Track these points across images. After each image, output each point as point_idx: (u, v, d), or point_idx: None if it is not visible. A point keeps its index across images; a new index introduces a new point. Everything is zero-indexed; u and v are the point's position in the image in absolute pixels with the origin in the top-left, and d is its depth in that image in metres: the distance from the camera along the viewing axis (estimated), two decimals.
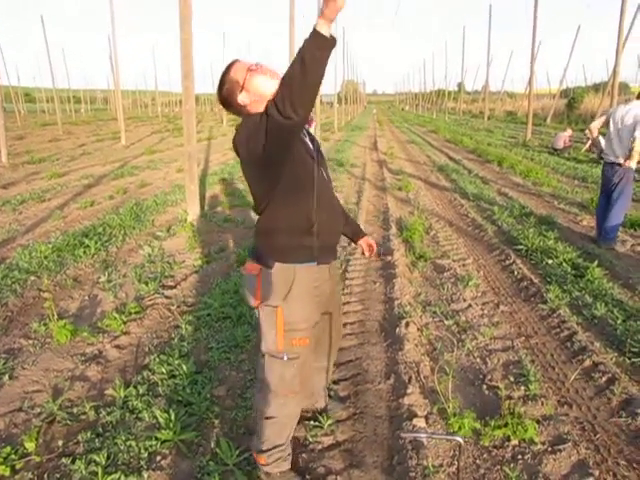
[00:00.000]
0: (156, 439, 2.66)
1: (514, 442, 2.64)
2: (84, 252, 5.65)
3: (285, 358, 2.14)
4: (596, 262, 5.02)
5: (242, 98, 2.04)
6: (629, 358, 3.44)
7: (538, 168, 11.62)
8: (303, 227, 2.05)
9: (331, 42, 1.66)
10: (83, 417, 2.89)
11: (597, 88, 36.89)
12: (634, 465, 2.46)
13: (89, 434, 2.71)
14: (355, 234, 2.60)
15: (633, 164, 5.55)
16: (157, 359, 3.42)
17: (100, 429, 2.78)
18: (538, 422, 2.76)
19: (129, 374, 3.34)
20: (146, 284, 4.67)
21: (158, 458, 2.57)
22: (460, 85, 54.18)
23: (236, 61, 2.09)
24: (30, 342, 3.77)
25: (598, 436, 2.68)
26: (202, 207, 7.49)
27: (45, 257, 5.43)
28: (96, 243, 5.88)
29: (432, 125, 31.53)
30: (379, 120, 39.73)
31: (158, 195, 8.93)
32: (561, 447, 2.57)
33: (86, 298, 4.58)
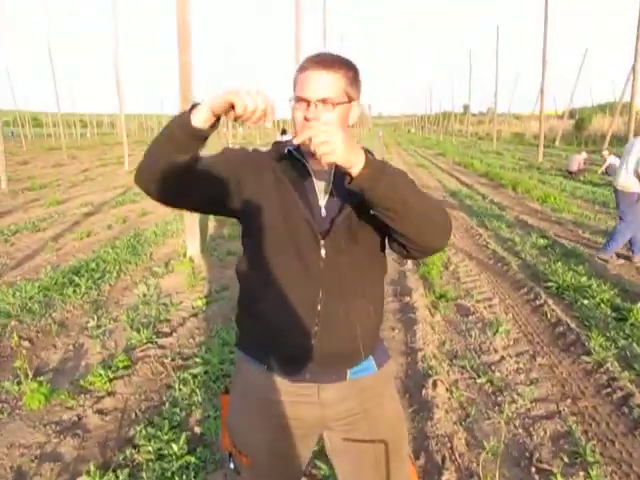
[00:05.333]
0: None
1: None
2: (74, 291, 5.17)
3: (231, 465, 1.54)
4: (639, 304, 4.50)
5: None
6: None
7: (556, 193, 11.11)
8: (246, 301, 1.48)
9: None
10: None
11: (603, 109, 36.54)
12: None
13: None
14: None
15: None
16: (144, 431, 2.91)
17: None
18: None
19: (110, 450, 2.83)
20: (138, 331, 4.17)
21: None
22: (466, 107, 54.13)
23: None
24: None
25: None
26: (203, 239, 7.02)
27: (30, 298, 4.96)
28: (87, 281, 5.41)
29: (439, 148, 31.19)
30: (386, 143, 39.41)
31: (158, 224, 8.48)
32: None
33: (70, 348, 4.09)
